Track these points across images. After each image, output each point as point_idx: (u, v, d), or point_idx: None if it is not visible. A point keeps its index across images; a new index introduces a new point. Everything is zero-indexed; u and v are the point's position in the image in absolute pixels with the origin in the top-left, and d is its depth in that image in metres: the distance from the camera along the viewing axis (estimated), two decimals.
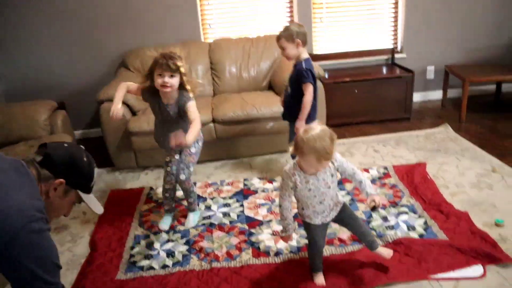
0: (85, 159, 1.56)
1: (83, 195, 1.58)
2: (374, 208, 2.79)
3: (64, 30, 4.20)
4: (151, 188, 3.30)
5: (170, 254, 2.50)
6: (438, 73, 4.87)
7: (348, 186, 3.08)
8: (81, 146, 1.64)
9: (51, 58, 4.29)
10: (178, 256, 2.48)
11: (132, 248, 2.59)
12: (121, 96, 2.50)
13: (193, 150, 2.68)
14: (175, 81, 2.41)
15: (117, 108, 2.42)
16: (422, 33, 4.70)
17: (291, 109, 2.88)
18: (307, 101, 2.75)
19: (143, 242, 2.64)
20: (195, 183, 3.31)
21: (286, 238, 2.11)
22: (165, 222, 2.81)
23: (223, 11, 4.42)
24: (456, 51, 4.84)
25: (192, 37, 4.35)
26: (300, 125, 2.77)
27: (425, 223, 2.59)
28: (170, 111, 2.53)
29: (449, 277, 2.14)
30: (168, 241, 2.64)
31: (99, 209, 1.67)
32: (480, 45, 4.85)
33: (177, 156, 2.70)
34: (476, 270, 2.17)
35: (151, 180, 3.47)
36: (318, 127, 1.83)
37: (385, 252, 2.20)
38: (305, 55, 2.78)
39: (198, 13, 4.32)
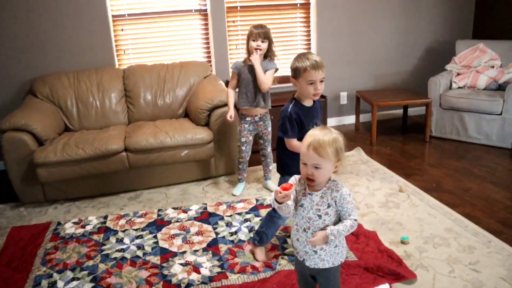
0: None
1: None
2: None
3: None
4: (59, 223, 3.09)
5: None
6: (350, 98, 5.12)
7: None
8: None
9: None
10: None
11: None
12: (233, 102, 3.24)
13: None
14: (265, 45, 3.08)
15: (232, 112, 3.21)
16: (334, 61, 4.92)
17: None
18: None
19: (44, 283, 2.43)
20: (106, 216, 3.15)
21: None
22: (239, 189, 3.42)
23: (138, 36, 4.34)
24: (366, 77, 5.12)
25: (106, 63, 4.22)
26: None
27: None
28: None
29: None
30: (73, 279, 2.46)
31: None
32: (388, 72, 5.18)
33: (250, 137, 3.32)
34: None
35: (60, 214, 3.25)
36: None
37: None
38: None
39: (112, 39, 4.21)
